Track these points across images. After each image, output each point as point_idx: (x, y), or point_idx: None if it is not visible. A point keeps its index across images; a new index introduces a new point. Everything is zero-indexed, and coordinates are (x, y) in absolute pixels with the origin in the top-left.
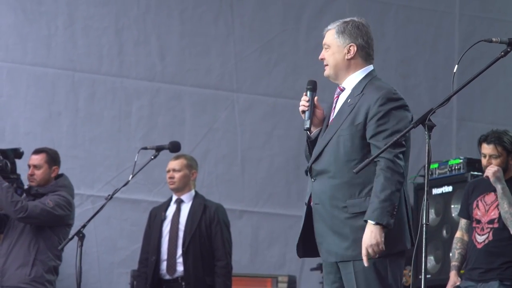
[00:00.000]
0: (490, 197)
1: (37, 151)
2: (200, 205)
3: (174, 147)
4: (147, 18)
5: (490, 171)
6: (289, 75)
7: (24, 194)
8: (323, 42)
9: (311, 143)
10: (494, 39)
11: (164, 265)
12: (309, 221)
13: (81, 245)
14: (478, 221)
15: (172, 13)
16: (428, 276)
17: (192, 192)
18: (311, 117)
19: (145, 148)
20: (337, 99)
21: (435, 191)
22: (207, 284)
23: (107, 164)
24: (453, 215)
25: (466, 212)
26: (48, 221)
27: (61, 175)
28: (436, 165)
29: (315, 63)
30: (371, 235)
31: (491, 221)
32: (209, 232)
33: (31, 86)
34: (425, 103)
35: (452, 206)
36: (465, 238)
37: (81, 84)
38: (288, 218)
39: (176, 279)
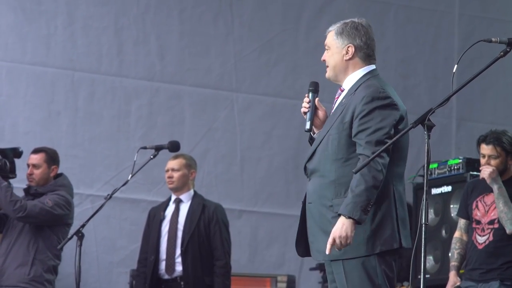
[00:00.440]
0: (489, 198)
1: (36, 151)
2: (199, 204)
3: (174, 147)
4: (146, 17)
5: (486, 172)
6: (289, 75)
7: (23, 194)
8: (325, 43)
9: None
10: (493, 39)
11: (163, 265)
12: (305, 221)
13: (80, 245)
14: (478, 222)
15: (172, 13)
16: (427, 276)
17: (191, 192)
18: (312, 119)
19: (145, 148)
20: (337, 100)
21: (434, 191)
22: (206, 283)
23: (106, 164)
24: (452, 215)
25: (465, 212)
26: (47, 221)
27: (60, 174)
28: (435, 165)
29: (314, 63)
30: (342, 227)
31: (491, 222)
32: (208, 232)
33: (30, 86)
34: (425, 103)
35: (451, 206)
36: (464, 238)
37: (81, 83)
38: (287, 218)
39: (175, 279)
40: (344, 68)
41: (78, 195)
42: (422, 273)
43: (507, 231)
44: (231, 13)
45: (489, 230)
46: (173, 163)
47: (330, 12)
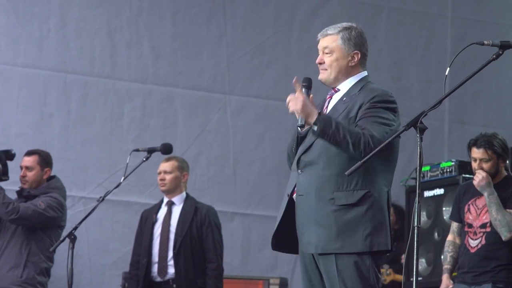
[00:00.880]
0: (481, 201)
1: (29, 153)
2: (191, 207)
3: (166, 149)
4: (139, 20)
5: (475, 180)
6: (281, 77)
7: (16, 196)
8: (323, 45)
9: (301, 139)
10: (486, 42)
11: (155, 268)
12: (288, 215)
13: (73, 247)
14: (470, 225)
15: (164, 15)
16: (420, 278)
17: (183, 194)
18: None
19: (137, 150)
20: (330, 99)
21: (427, 193)
22: (199, 286)
23: (99, 166)
24: (444, 217)
25: (458, 215)
26: (39, 223)
27: (53, 177)
28: (428, 168)
29: (307, 65)
30: (304, 107)
31: (483, 226)
32: (200, 234)
33: (23, 88)
34: (417, 105)
35: (444, 208)
36: (457, 241)
37: (73, 86)
38: None
39: (167, 282)
40: (347, 73)
41: (71, 198)
42: (414, 276)
43: (503, 238)
44: (224, 16)
45: (481, 234)
46: (165, 166)
47: (322, 15)
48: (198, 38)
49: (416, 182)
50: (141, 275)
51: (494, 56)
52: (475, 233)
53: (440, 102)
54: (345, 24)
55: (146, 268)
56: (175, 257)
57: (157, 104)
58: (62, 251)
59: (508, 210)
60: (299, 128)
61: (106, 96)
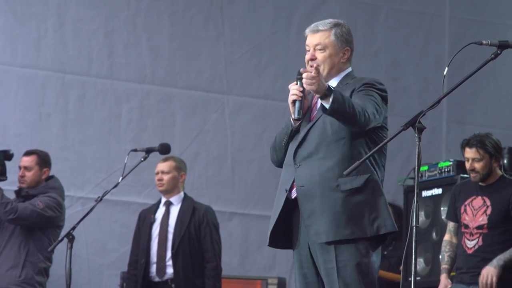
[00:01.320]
0: (477, 202)
1: (28, 153)
2: (189, 207)
3: (164, 149)
4: (137, 20)
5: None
6: (279, 78)
7: (15, 196)
8: (315, 42)
9: (294, 133)
10: (484, 42)
11: (153, 268)
12: (285, 211)
13: (71, 247)
14: (466, 226)
15: (162, 15)
16: (418, 278)
17: (181, 194)
18: (302, 107)
19: (135, 150)
20: None
21: (425, 193)
22: (197, 286)
23: (97, 166)
24: (442, 217)
25: (454, 215)
26: (38, 223)
27: (52, 177)
28: (426, 168)
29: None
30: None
31: (480, 227)
32: (198, 234)
33: (21, 88)
34: (415, 105)
35: (442, 208)
36: (454, 240)
37: (71, 86)
38: None
39: (166, 282)
40: (338, 69)
41: (69, 198)
42: (412, 276)
43: None
44: (222, 16)
45: (477, 235)
46: (163, 166)
47: (320, 15)
48: (196, 38)
49: (414, 182)
50: (139, 275)
51: (493, 55)
52: (471, 234)
53: (438, 102)
54: (333, 20)
55: (144, 268)
56: (173, 257)
57: (155, 104)
58: (60, 251)
59: None
60: (293, 121)
61: (104, 96)
